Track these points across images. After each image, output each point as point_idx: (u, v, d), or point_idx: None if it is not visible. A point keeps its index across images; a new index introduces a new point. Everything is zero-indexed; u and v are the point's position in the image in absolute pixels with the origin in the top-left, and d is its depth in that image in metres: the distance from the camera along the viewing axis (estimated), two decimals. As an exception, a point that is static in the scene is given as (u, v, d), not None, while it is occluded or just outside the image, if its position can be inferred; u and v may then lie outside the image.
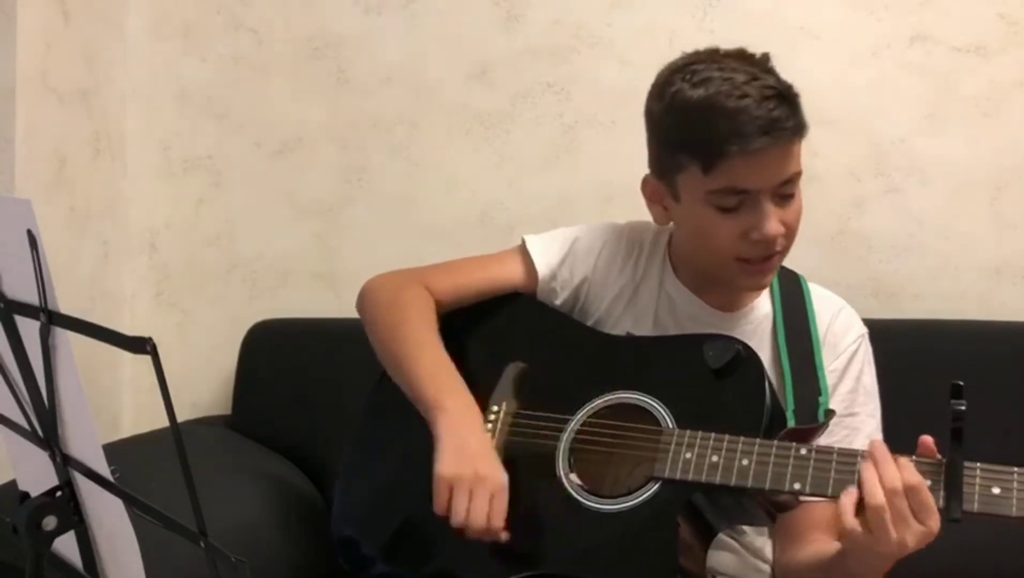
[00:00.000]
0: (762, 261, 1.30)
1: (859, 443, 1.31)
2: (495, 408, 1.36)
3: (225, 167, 2.19)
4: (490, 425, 1.34)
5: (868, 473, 1.09)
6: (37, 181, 1.91)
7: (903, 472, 1.07)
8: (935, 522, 1.06)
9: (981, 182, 1.91)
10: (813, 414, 1.30)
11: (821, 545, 1.26)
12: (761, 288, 1.39)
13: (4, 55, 1.83)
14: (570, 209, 2.01)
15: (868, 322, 1.84)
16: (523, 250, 1.49)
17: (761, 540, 1.39)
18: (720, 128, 1.22)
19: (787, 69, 1.94)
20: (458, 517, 1.23)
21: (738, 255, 1.29)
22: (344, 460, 1.48)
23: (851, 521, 1.08)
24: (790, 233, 1.30)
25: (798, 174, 1.29)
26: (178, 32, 2.18)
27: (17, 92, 1.84)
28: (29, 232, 0.87)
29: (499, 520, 1.23)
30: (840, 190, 1.96)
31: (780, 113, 1.23)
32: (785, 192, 1.28)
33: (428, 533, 1.34)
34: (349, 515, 1.44)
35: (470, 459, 1.25)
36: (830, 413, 1.30)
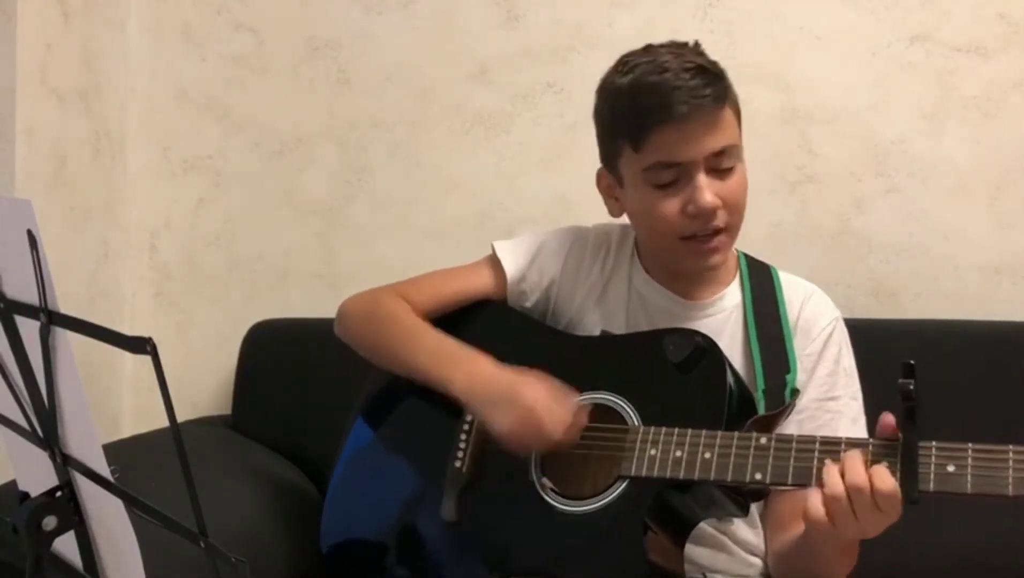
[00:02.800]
0: (706, 239, 1.32)
1: (844, 428, 1.32)
2: (468, 418, 1.37)
3: (225, 167, 2.19)
4: (464, 436, 1.36)
5: (830, 468, 1.10)
6: (37, 181, 1.90)
7: (874, 479, 1.06)
8: (896, 512, 1.07)
9: (981, 182, 1.91)
10: (781, 394, 1.30)
11: (800, 530, 1.26)
12: (709, 269, 1.37)
13: (4, 55, 1.83)
14: (570, 209, 2.01)
15: (868, 322, 1.84)
16: (493, 256, 1.51)
17: (751, 533, 1.40)
18: (643, 104, 1.29)
19: (787, 69, 1.97)
20: (540, 443, 1.27)
21: (681, 233, 1.32)
22: (334, 476, 1.49)
23: (816, 509, 1.09)
24: (731, 208, 1.32)
25: (733, 147, 1.32)
26: (178, 32, 2.18)
27: (17, 92, 1.84)
28: (29, 232, 0.87)
29: (567, 416, 1.26)
30: (840, 190, 1.96)
31: (698, 83, 1.27)
32: (720, 165, 1.31)
33: (410, 543, 1.36)
34: (337, 527, 1.45)
35: (508, 397, 1.28)
36: (795, 393, 1.30)
